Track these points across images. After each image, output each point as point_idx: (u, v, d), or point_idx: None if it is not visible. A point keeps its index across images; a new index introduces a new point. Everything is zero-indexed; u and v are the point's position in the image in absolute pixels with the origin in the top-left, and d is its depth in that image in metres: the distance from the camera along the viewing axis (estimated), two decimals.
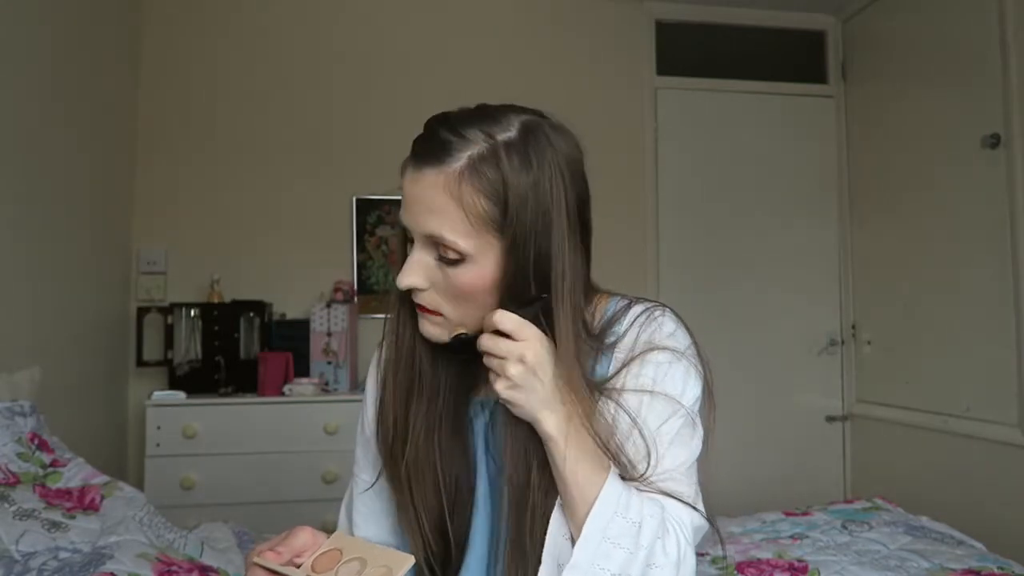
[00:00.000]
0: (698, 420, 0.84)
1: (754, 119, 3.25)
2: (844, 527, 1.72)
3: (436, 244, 0.76)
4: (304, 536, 0.73)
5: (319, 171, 2.90)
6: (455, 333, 0.81)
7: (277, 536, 0.75)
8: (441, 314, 0.79)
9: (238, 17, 2.92)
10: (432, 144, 0.75)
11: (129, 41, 2.76)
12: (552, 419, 0.73)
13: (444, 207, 0.74)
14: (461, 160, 0.74)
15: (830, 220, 3.27)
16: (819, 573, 1.46)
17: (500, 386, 0.74)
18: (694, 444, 0.82)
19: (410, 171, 0.77)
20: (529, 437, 0.76)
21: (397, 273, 0.81)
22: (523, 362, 0.72)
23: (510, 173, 0.74)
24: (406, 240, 0.80)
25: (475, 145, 0.74)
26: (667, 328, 0.84)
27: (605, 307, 0.87)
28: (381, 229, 2.92)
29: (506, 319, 0.74)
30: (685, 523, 0.77)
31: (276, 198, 2.87)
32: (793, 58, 3.36)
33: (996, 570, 1.44)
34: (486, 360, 0.75)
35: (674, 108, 3.21)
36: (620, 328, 0.84)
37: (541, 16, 3.14)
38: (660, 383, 0.80)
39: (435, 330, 0.81)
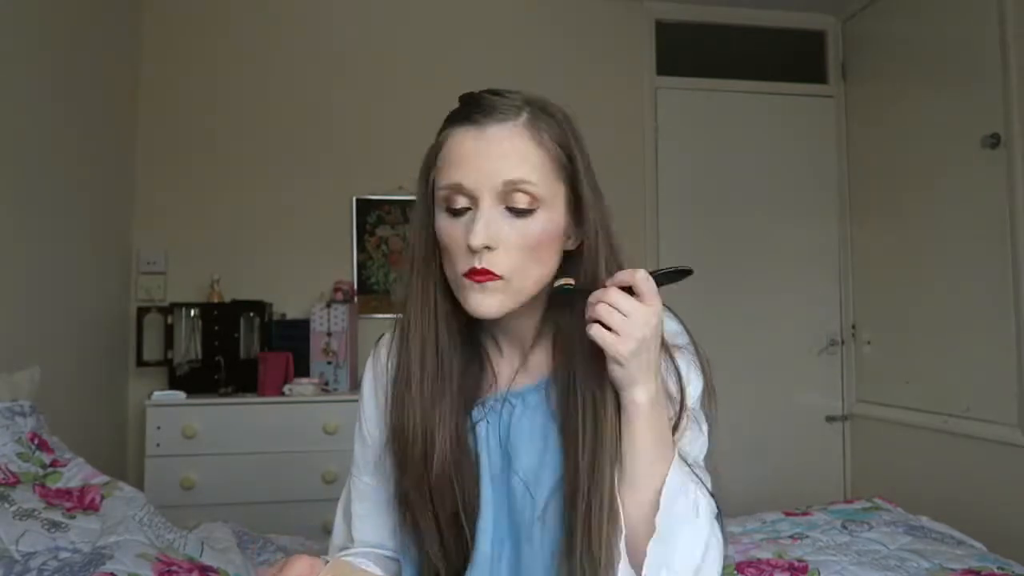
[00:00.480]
0: (701, 417, 0.85)
1: (754, 119, 3.25)
2: (844, 527, 1.72)
3: (509, 195, 0.77)
4: (301, 565, 0.73)
5: (319, 171, 2.90)
6: (561, 283, 0.80)
7: (274, 566, 0.74)
8: (501, 277, 0.78)
9: (238, 17, 2.92)
10: (487, 105, 0.79)
11: (129, 41, 2.76)
12: (649, 389, 0.75)
13: (525, 151, 0.77)
14: (524, 112, 0.79)
15: (830, 220, 3.27)
16: (819, 573, 1.45)
17: (621, 346, 0.72)
18: (702, 440, 0.84)
19: (470, 129, 0.78)
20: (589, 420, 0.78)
21: (413, 274, 0.82)
22: (649, 326, 0.73)
23: (564, 123, 0.82)
24: (448, 208, 0.79)
25: (524, 103, 0.80)
26: (670, 327, 0.86)
27: None
28: (381, 229, 2.92)
29: (648, 281, 0.75)
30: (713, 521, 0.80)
31: (276, 198, 2.87)
32: (793, 58, 3.36)
33: (996, 570, 1.44)
34: (603, 314, 0.73)
35: (674, 108, 3.21)
36: None
37: (541, 16, 3.14)
38: (665, 382, 0.82)
39: (491, 300, 0.78)
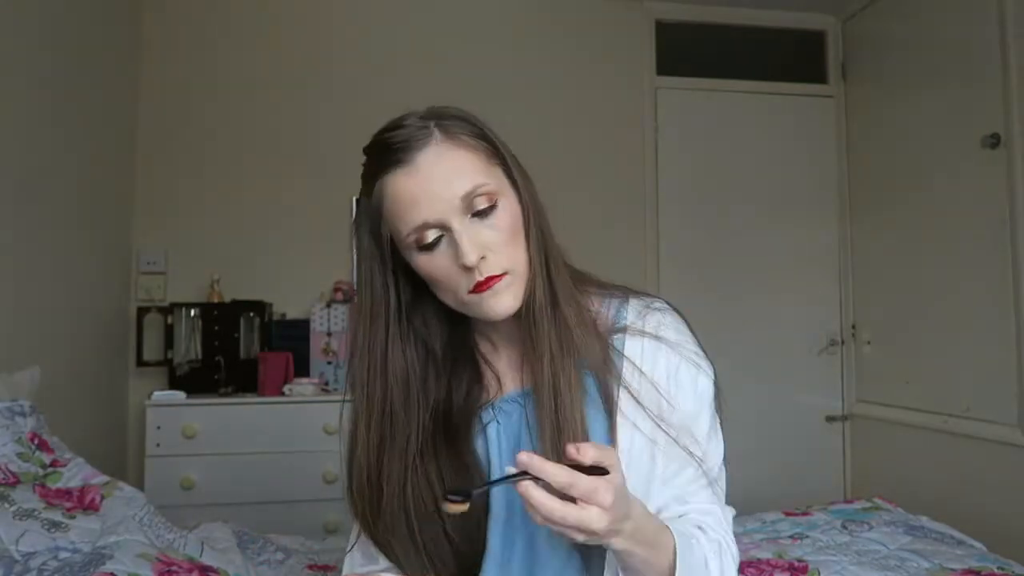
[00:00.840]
0: (716, 419, 0.88)
1: (754, 119, 3.25)
2: (844, 527, 1.72)
3: (469, 204, 0.78)
4: None
5: (319, 171, 2.89)
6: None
7: None
8: (505, 274, 0.79)
9: (238, 16, 2.92)
10: (400, 142, 0.79)
11: (129, 41, 2.76)
12: (620, 540, 0.70)
13: (460, 161, 0.79)
14: (432, 128, 0.80)
15: (830, 220, 3.27)
16: (819, 573, 1.46)
17: (579, 537, 0.66)
18: (722, 445, 0.88)
19: (401, 169, 0.79)
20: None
21: (369, 324, 0.84)
22: (596, 526, 0.65)
23: (467, 117, 0.83)
24: (421, 247, 0.80)
25: (425, 120, 0.81)
26: (669, 321, 0.88)
27: (603, 306, 0.90)
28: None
29: (589, 450, 0.67)
30: (727, 530, 0.83)
31: (276, 198, 2.87)
32: (793, 58, 3.36)
33: (996, 570, 1.44)
34: (545, 511, 0.65)
35: (674, 108, 3.21)
36: (625, 321, 0.88)
37: (541, 16, 3.14)
38: (678, 382, 0.84)
39: (505, 297, 0.80)
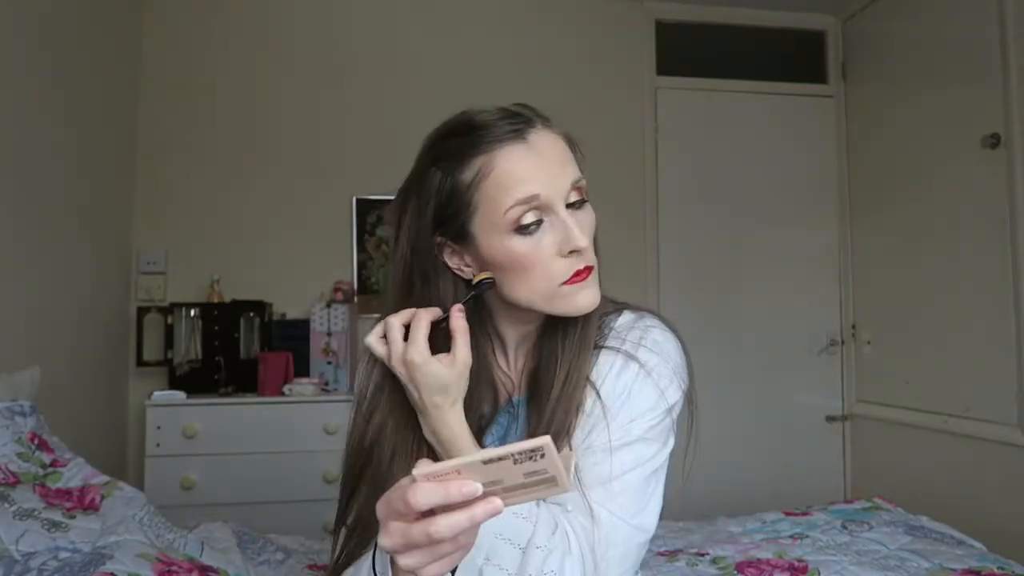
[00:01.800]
0: (670, 433, 0.84)
1: (754, 119, 3.25)
2: (844, 527, 1.72)
3: (570, 192, 0.79)
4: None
5: (319, 171, 2.90)
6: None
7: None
8: (593, 267, 0.81)
9: (238, 16, 2.92)
10: (506, 115, 0.80)
11: (129, 41, 2.76)
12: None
13: (565, 151, 0.81)
14: (537, 119, 0.81)
15: (830, 220, 3.26)
16: (819, 573, 1.46)
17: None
18: (657, 455, 0.82)
19: (517, 144, 0.78)
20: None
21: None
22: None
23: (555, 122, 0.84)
24: (519, 228, 0.77)
25: (527, 111, 0.82)
26: (655, 335, 0.85)
27: (604, 316, 0.89)
28: (381, 229, 2.92)
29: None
30: (614, 541, 0.77)
31: (276, 198, 2.87)
32: (793, 58, 3.36)
33: (996, 570, 1.44)
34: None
35: (674, 108, 3.21)
36: (611, 332, 0.87)
37: (541, 16, 3.14)
38: (636, 391, 0.82)
39: (593, 290, 0.81)
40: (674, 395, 0.83)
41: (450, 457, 0.76)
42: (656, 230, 3.15)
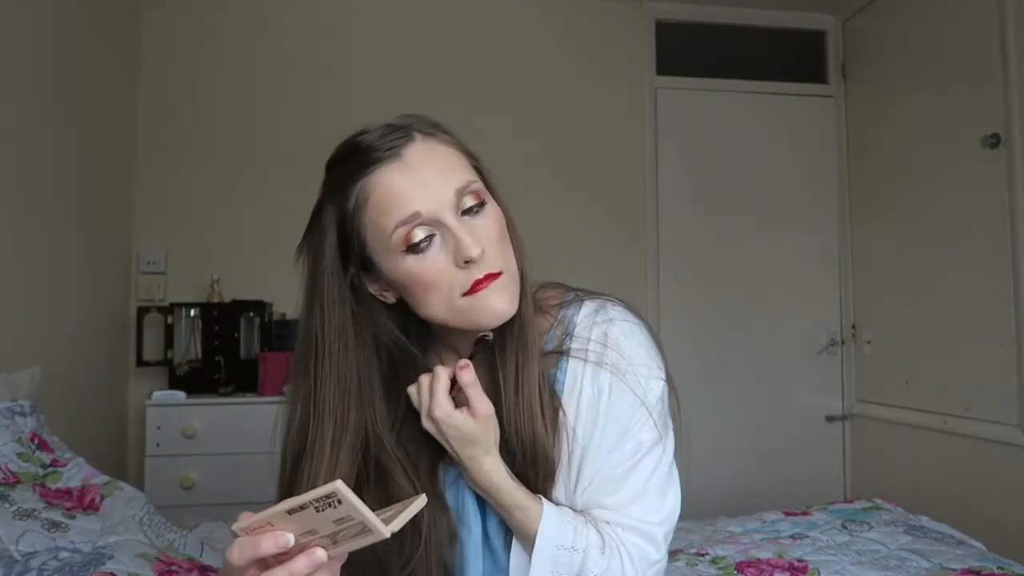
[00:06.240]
0: (667, 420, 0.84)
1: (754, 119, 3.25)
2: (844, 527, 1.72)
3: (458, 199, 0.76)
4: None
5: (319, 171, 2.88)
6: (482, 335, 0.81)
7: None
8: (501, 272, 0.77)
9: (238, 17, 2.92)
10: (381, 134, 0.79)
11: (129, 41, 2.76)
12: (491, 457, 0.79)
13: (447, 158, 0.78)
14: (415, 132, 0.79)
15: (830, 220, 3.27)
16: (819, 573, 1.46)
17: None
18: (665, 450, 0.83)
19: (391, 163, 0.76)
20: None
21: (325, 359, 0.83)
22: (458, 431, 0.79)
23: (443, 126, 0.83)
24: (409, 247, 0.75)
25: (407, 125, 0.81)
26: (617, 331, 0.83)
27: (558, 304, 0.87)
28: None
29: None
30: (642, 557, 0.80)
31: (276, 198, 2.86)
32: (793, 58, 3.36)
33: (996, 570, 1.44)
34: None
35: (674, 108, 3.21)
36: (574, 329, 0.84)
37: (541, 16, 3.14)
38: (616, 400, 0.81)
39: (504, 296, 0.77)
40: (656, 386, 0.82)
41: (496, 507, 0.81)
42: (656, 230, 3.14)
